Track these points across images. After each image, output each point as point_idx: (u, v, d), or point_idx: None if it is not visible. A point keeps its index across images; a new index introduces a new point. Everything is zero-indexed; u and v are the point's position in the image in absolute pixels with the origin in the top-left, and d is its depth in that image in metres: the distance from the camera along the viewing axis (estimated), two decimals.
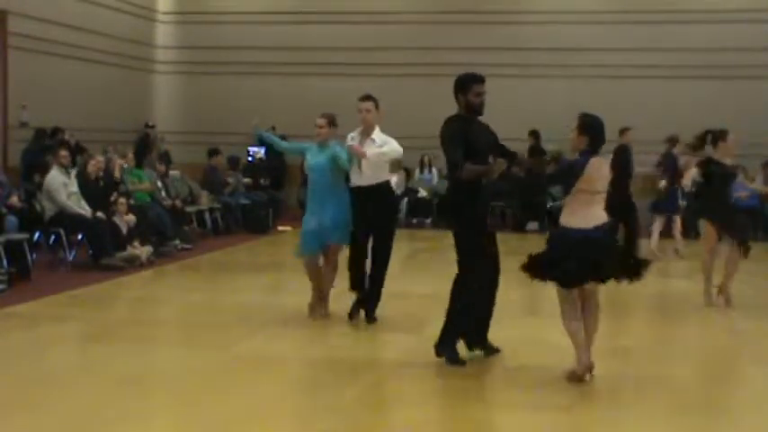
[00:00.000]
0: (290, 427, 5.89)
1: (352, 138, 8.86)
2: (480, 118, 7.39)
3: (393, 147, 8.87)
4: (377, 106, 8.89)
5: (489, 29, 20.14)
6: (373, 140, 8.83)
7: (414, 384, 6.89)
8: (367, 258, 8.92)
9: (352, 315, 9.04)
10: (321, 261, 9.18)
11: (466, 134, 7.14)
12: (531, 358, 7.60)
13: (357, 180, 8.84)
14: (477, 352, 7.57)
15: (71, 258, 12.30)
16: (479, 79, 7.32)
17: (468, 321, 7.42)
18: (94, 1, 18.12)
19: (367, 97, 8.98)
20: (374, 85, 20.36)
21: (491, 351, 7.59)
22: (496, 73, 19.79)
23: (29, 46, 15.76)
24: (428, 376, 7.11)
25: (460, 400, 6.51)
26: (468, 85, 7.30)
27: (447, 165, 7.43)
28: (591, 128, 6.87)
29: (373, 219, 8.75)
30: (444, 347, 7.36)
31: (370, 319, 8.96)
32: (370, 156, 8.55)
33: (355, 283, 9.04)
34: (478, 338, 7.57)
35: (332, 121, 9.03)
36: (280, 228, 17.93)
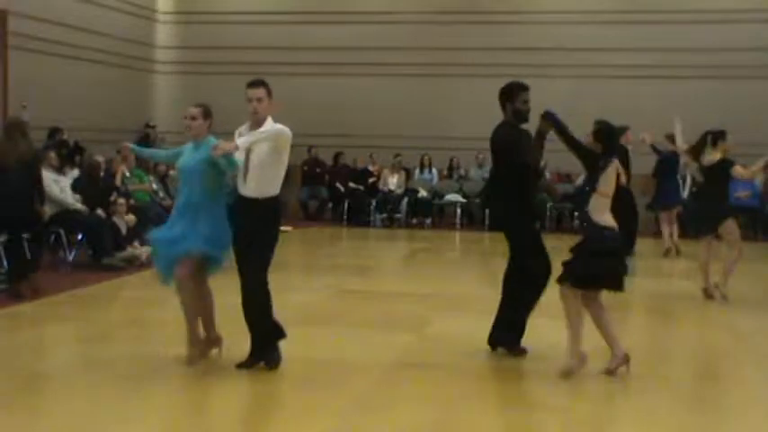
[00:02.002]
0: (289, 428, 5.88)
1: (240, 133, 7.22)
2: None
3: (267, 129, 7.11)
4: (269, 94, 7.16)
5: (490, 29, 20.12)
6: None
7: (413, 385, 6.88)
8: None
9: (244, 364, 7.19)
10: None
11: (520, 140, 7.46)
12: (530, 359, 7.59)
13: (241, 188, 7.17)
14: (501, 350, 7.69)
15: (71, 258, 12.30)
16: (525, 87, 7.61)
17: (524, 313, 7.58)
18: (94, 1, 18.12)
19: (257, 83, 7.16)
20: (374, 85, 20.49)
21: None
22: (497, 73, 19.85)
23: (29, 46, 15.75)
24: (428, 377, 7.11)
25: (460, 401, 6.51)
26: (515, 93, 7.59)
27: (501, 168, 7.62)
28: (607, 136, 7.04)
29: (247, 238, 7.11)
30: (503, 338, 7.58)
31: (264, 363, 7.19)
32: (240, 146, 6.88)
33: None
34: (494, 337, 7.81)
35: (207, 113, 7.43)
36: (280, 227, 17.89)
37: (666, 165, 14.79)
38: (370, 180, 19.50)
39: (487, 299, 10.31)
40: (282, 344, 8.22)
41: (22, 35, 15.69)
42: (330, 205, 19.93)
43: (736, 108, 18.29)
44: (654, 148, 14.88)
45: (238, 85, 19.75)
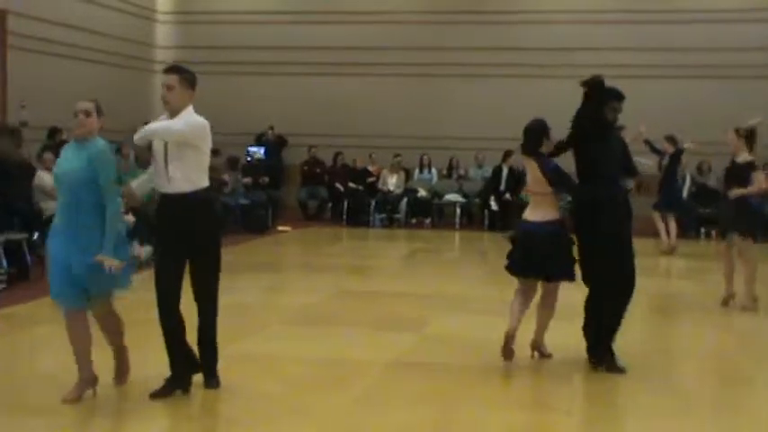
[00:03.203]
0: (290, 427, 5.87)
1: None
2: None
3: (166, 123, 6.25)
4: (187, 83, 6.24)
5: (490, 29, 20.10)
6: None
7: (414, 384, 6.87)
8: (179, 300, 6.43)
9: (159, 393, 6.26)
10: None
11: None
12: (533, 359, 7.58)
13: (164, 186, 6.28)
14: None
15: None
16: (619, 96, 7.33)
17: (618, 320, 7.28)
18: (94, 1, 18.11)
19: (170, 69, 6.35)
20: (374, 85, 20.48)
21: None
22: (497, 73, 19.88)
23: (28, 46, 15.74)
24: (428, 376, 7.10)
25: (460, 400, 6.50)
26: (605, 99, 7.30)
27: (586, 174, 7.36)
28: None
29: (188, 241, 6.29)
30: (601, 356, 7.24)
31: (210, 383, 6.54)
32: (136, 140, 6.20)
33: (169, 338, 6.38)
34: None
35: (100, 109, 6.40)
36: (279, 227, 17.93)
37: (674, 165, 14.90)
38: (370, 180, 19.49)
39: (487, 298, 10.37)
40: (282, 343, 8.23)
41: (22, 35, 15.68)
42: (329, 205, 19.92)
43: (737, 107, 18.24)
44: (651, 147, 14.90)
45: (238, 85, 19.81)
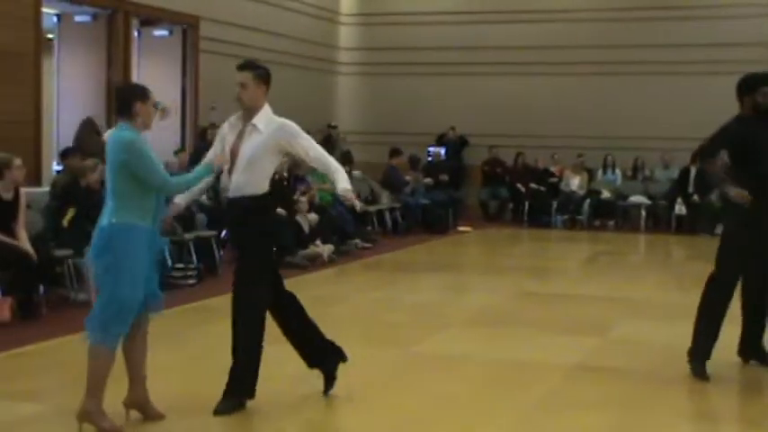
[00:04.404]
0: (473, 428, 5.81)
1: (230, 123, 6.03)
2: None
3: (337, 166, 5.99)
4: (262, 79, 5.96)
5: (677, 25, 19.39)
6: (255, 127, 5.87)
7: (596, 389, 6.69)
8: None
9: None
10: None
11: (743, 135, 6.85)
12: (722, 365, 7.24)
13: (226, 187, 5.97)
14: (753, 362, 7.26)
15: None
16: None
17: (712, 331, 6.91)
18: (278, 4, 18.56)
19: (242, 65, 6.02)
20: (556, 84, 20.15)
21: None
22: (686, 71, 19.19)
23: (219, 50, 16.28)
24: (611, 382, 6.90)
25: (643, 407, 6.26)
26: (758, 83, 6.96)
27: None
28: None
29: (239, 251, 6.09)
30: (692, 359, 7.00)
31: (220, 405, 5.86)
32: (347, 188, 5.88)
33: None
34: (749, 349, 7.24)
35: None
36: (460, 228, 17.88)
37: None
38: (552, 180, 19.20)
39: (673, 304, 10.01)
40: (462, 343, 8.17)
41: (213, 39, 16.24)
42: (510, 206, 19.75)
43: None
44: None
45: (419, 85, 19.87)
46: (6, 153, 9.17)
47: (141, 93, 5.63)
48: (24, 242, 8.85)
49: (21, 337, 7.90)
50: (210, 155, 6.03)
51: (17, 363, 7.28)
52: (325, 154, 6.03)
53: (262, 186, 5.88)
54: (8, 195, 8.92)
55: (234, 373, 5.87)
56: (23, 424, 5.65)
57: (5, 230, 8.79)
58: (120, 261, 5.32)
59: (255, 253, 5.90)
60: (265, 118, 5.91)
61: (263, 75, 5.97)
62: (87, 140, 12.54)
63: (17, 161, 9.05)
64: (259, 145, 5.83)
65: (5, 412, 5.87)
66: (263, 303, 5.89)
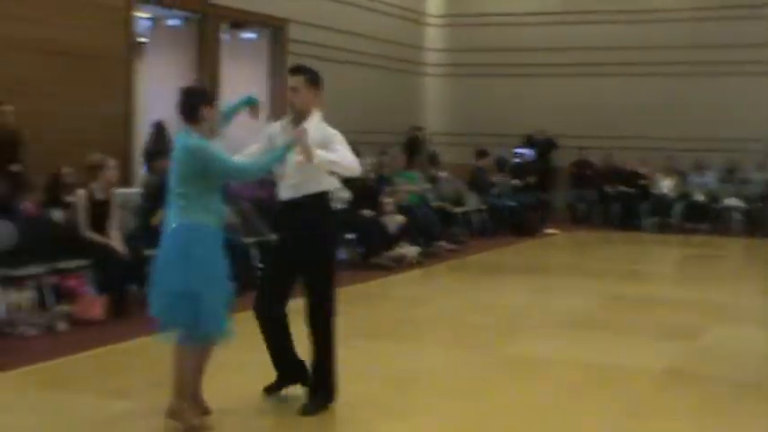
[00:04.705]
0: (562, 428, 5.77)
1: (282, 126, 5.99)
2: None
3: (342, 156, 5.80)
4: (312, 83, 5.93)
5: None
6: (305, 131, 5.70)
7: (684, 395, 6.58)
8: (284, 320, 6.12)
9: (271, 389, 6.18)
10: None
11: None
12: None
13: (280, 189, 5.98)
14: None
15: (343, 257, 12.64)
16: None
17: None
18: (365, 6, 18.63)
19: (295, 69, 6.01)
20: (645, 85, 19.81)
21: None
22: None
23: (307, 51, 16.40)
24: (700, 388, 6.76)
25: (733, 415, 6.12)
26: None
27: None
28: None
29: (296, 257, 5.88)
30: None
31: (306, 410, 5.85)
32: (316, 163, 5.66)
33: (276, 361, 6.15)
34: None
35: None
36: (547, 230, 17.69)
37: None
38: (642, 182, 18.87)
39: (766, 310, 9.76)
40: (550, 346, 8.06)
41: (301, 41, 16.37)
42: (599, 208, 19.47)
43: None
44: None
45: (505, 86, 19.86)
46: (101, 154, 9.38)
47: (208, 97, 5.59)
48: (116, 241, 9.04)
49: (112, 334, 8.06)
50: (254, 149, 5.99)
51: (109, 360, 7.43)
52: (345, 157, 5.82)
53: (320, 185, 5.87)
54: (103, 196, 9.12)
55: (318, 375, 5.90)
56: (115, 422, 5.75)
57: (100, 230, 9.01)
58: (195, 261, 5.32)
59: (325, 255, 5.93)
60: (315, 123, 5.85)
61: (313, 79, 5.94)
62: (157, 145, 12.69)
63: (111, 162, 9.25)
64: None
65: (98, 410, 5.98)
66: (334, 308, 5.96)
